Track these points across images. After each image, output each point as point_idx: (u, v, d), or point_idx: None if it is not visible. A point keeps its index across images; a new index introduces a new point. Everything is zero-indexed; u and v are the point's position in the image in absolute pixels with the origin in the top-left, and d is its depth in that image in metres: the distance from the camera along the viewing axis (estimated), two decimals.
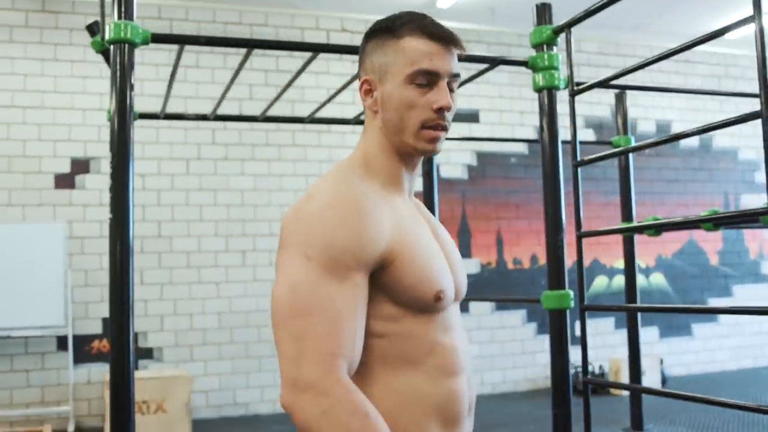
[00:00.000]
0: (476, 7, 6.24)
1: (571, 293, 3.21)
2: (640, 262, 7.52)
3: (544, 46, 3.31)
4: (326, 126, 6.27)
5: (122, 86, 2.75)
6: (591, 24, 7.08)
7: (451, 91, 1.33)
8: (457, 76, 1.33)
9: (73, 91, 5.80)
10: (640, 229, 3.49)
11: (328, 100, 3.84)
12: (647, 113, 7.63)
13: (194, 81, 6.07)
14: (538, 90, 3.30)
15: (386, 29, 1.34)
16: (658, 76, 7.65)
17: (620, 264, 7.35)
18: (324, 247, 1.18)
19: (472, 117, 6.80)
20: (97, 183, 5.83)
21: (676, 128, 7.70)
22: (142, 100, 5.75)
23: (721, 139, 7.99)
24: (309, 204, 1.23)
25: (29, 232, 5.51)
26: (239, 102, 6.11)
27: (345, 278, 1.19)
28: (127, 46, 2.76)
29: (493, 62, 3.49)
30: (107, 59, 3.69)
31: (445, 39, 1.31)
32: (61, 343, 5.60)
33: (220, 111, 5.91)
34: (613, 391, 6.64)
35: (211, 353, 5.96)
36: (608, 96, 7.30)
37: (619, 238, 7.08)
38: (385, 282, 1.24)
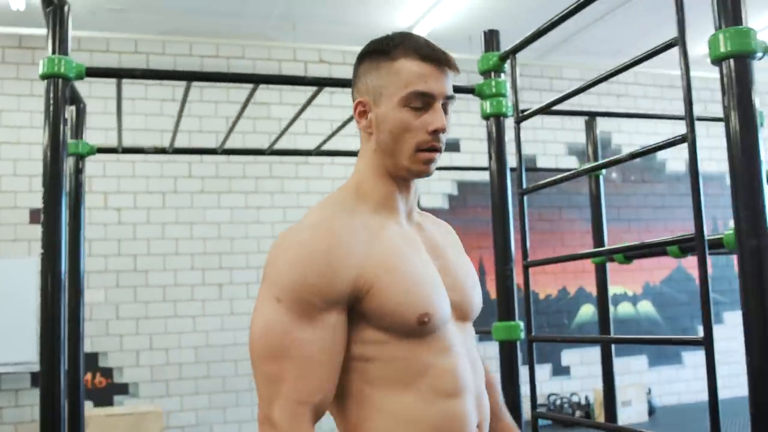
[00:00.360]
0: (454, 35, 6.23)
1: (521, 324, 3.14)
2: (627, 290, 7.44)
3: (492, 73, 3.27)
4: (303, 158, 6.25)
5: (55, 120, 2.74)
6: (572, 50, 7.10)
7: (446, 113, 1.32)
8: (451, 98, 1.32)
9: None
10: (587, 256, 3.42)
11: (282, 133, 3.82)
12: (631, 139, 7.57)
13: (170, 114, 6.08)
14: (486, 117, 3.26)
15: (380, 51, 1.33)
16: (643, 102, 7.62)
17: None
18: (292, 288, 1.19)
19: (452, 146, 6.77)
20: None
21: (662, 154, 7.64)
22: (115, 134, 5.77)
23: (708, 164, 7.91)
24: (286, 240, 1.24)
25: (3, 268, 5.50)
26: (216, 135, 6.11)
27: (315, 319, 1.19)
28: (60, 80, 2.75)
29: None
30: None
31: (440, 60, 1.31)
32: (36, 379, 5.56)
33: (195, 144, 5.92)
34: (596, 421, 6.53)
35: (188, 388, 5.90)
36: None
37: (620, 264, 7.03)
38: (365, 310, 1.23)
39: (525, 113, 3.21)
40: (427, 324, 1.24)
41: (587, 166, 2.93)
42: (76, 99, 3.93)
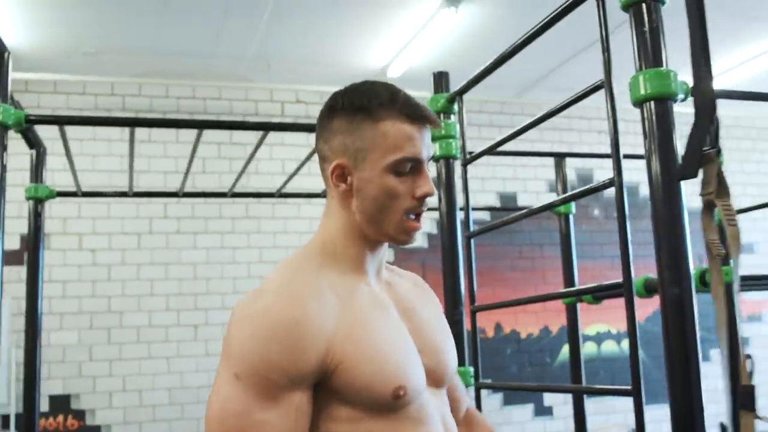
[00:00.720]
0: (427, 76, 6.25)
1: (472, 370, 3.10)
2: (611, 327, 7.37)
3: (441, 115, 3.29)
4: (281, 197, 6.25)
5: None
6: (551, 86, 7.10)
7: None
8: (433, 156, 1.29)
9: (21, 167, 5.83)
10: (539, 300, 3.39)
11: (240, 175, 3.82)
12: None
13: (147, 155, 6.09)
14: (436, 160, 3.26)
15: (359, 108, 1.23)
16: (628, 138, 7.56)
17: (591, 331, 7.22)
18: (254, 365, 1.08)
19: None
20: (47, 259, 5.79)
21: (644, 191, 7.60)
22: (94, 176, 5.80)
23: (696, 199, 7.85)
24: (245, 309, 1.14)
25: None
26: (192, 175, 6.11)
27: (278, 399, 1.09)
28: None
29: None
30: (26, 137, 3.72)
31: (425, 119, 1.24)
32: (6, 421, 5.51)
33: (171, 185, 5.92)
34: None
35: (162, 430, 5.83)
36: (574, 161, 7.27)
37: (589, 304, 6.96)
38: (335, 386, 1.14)
39: (471, 156, 3.21)
40: (402, 397, 1.17)
41: (519, 214, 2.92)
42: (36, 143, 3.96)
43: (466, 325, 3.11)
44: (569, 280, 4.84)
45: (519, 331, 6.96)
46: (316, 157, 1.32)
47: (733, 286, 1.24)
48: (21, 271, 5.72)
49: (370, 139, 1.22)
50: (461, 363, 3.09)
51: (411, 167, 1.23)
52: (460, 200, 3.15)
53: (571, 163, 7.32)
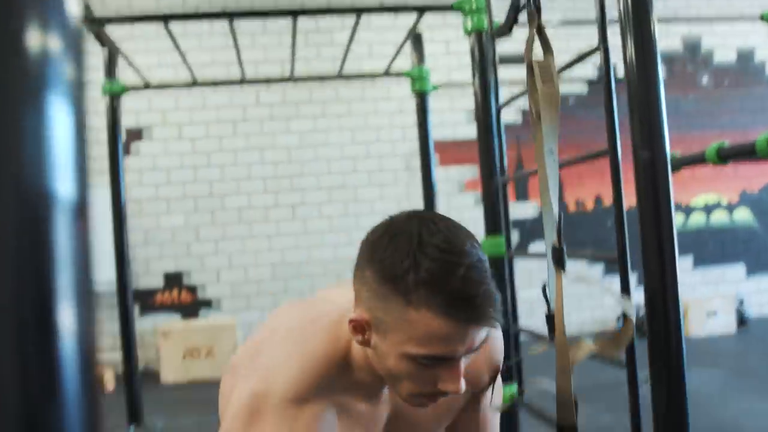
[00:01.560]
0: None
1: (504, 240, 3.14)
2: (722, 198, 7.10)
3: None
4: (370, 80, 6.31)
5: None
6: None
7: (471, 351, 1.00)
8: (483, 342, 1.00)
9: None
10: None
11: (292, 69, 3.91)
12: (725, 41, 7.09)
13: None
14: (468, 33, 3.23)
15: (391, 278, 0.96)
16: (738, 1, 7.08)
17: (699, 202, 7.00)
18: None
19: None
20: (150, 149, 6.20)
21: (760, 56, 7.11)
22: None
23: None
24: (259, 402, 1.04)
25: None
26: (281, 64, 6.27)
27: None
28: None
29: (420, 10, 3.45)
30: (98, 38, 3.96)
31: (471, 318, 0.95)
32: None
33: (262, 74, 6.10)
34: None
35: (267, 303, 6.25)
36: (678, 27, 6.89)
37: (694, 173, 6.73)
38: None
39: (500, 27, 3.16)
40: None
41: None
42: (108, 43, 4.19)
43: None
44: (612, 144, 4.69)
45: None
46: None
47: (544, 148, 1.24)
48: (127, 161, 6.15)
49: (395, 319, 0.97)
50: (498, 232, 3.12)
51: (440, 362, 0.99)
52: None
53: (675, 30, 6.95)
